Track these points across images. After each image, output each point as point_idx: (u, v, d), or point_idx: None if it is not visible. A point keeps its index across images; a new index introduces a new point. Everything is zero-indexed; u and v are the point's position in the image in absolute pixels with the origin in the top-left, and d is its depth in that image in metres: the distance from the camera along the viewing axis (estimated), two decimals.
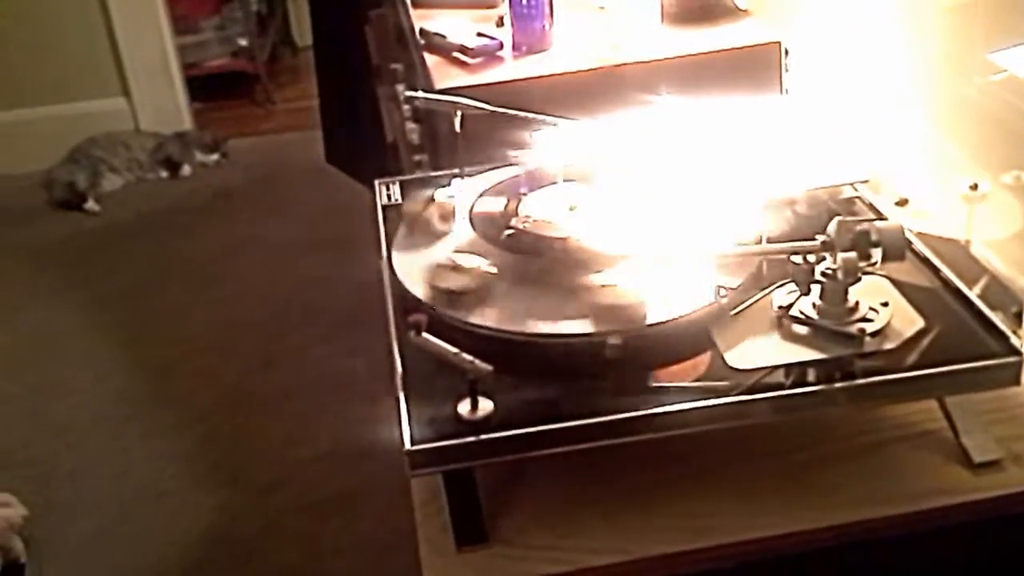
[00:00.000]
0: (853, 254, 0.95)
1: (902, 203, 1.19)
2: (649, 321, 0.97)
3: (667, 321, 0.97)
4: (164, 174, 3.55)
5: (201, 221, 3.28)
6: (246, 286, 2.92)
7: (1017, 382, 0.96)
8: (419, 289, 1.04)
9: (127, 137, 3.58)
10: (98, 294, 2.96)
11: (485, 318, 0.99)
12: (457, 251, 1.06)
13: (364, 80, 2.27)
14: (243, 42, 3.98)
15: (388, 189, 1.27)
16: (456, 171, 1.24)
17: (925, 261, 1.08)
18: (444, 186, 1.19)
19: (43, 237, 3.27)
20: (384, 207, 1.24)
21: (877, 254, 0.96)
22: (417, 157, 1.58)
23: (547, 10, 1.50)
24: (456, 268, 1.00)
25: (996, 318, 0.99)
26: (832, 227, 0.96)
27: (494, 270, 1.01)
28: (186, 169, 3.55)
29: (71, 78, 3.59)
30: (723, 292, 0.99)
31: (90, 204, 3.39)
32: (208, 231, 3.22)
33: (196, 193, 3.47)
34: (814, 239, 0.98)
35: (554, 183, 1.17)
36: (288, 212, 3.26)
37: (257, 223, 3.23)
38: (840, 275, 0.96)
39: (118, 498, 2.22)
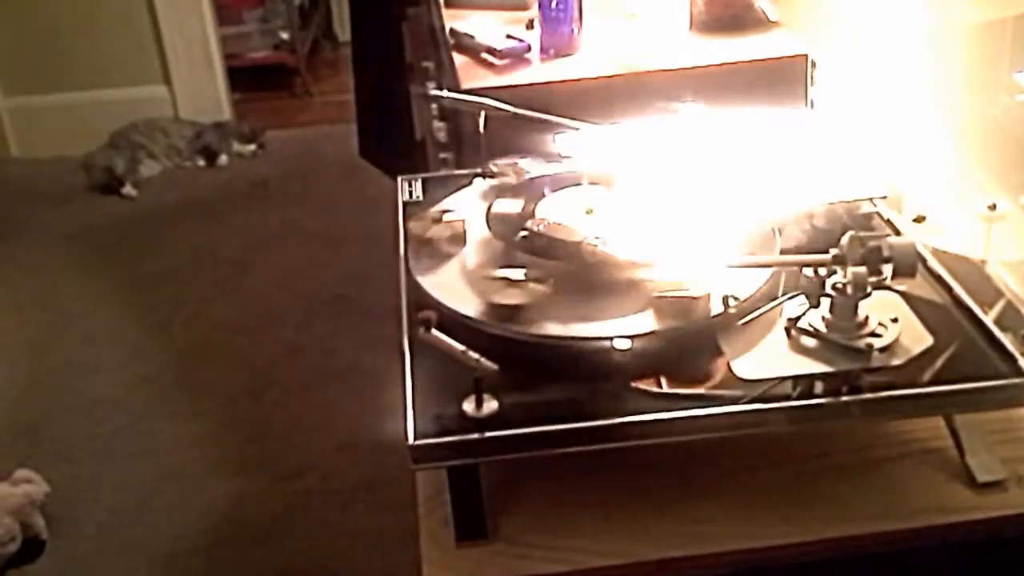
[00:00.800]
0: (863, 269, 0.95)
1: (919, 220, 1.19)
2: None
3: (675, 328, 0.98)
4: (201, 162, 3.59)
5: (235, 210, 3.32)
6: (276, 276, 2.96)
7: (1023, 404, 0.96)
8: (431, 285, 1.06)
9: (167, 124, 3.62)
10: (131, 277, 3.00)
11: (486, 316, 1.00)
12: (505, 266, 1.06)
13: (399, 77, 2.29)
14: (285, 35, 4.02)
15: (411, 186, 1.28)
16: (478, 171, 1.26)
17: (938, 278, 1.08)
18: (464, 186, 1.20)
19: (80, 219, 3.32)
20: (406, 203, 1.25)
21: (888, 270, 0.97)
22: (443, 155, 1.60)
23: (576, 14, 1.51)
24: (512, 283, 1.01)
25: (1005, 339, 0.99)
26: (844, 241, 0.97)
27: (548, 288, 1.01)
28: (223, 158, 3.59)
29: (114, 64, 3.64)
30: (733, 301, 1.00)
31: (128, 189, 3.43)
32: (242, 220, 3.25)
33: (232, 182, 3.51)
34: (827, 252, 0.99)
35: (574, 186, 1.18)
36: (321, 204, 3.29)
37: (290, 214, 3.26)
38: (850, 289, 0.96)
39: (140, 478, 2.26)
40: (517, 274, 1.02)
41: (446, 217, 1.11)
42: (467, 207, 1.18)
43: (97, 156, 3.48)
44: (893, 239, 0.97)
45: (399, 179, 1.29)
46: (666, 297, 1.00)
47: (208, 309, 2.83)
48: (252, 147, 3.63)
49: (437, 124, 1.60)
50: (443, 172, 1.41)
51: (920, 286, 1.07)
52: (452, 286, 1.07)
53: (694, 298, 0.99)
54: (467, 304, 1.03)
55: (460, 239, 1.12)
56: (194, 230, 3.22)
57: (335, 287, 2.84)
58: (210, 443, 2.36)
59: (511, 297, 1.00)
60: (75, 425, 2.43)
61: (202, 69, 3.71)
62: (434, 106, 1.63)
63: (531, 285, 1.01)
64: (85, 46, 3.61)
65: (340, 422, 2.37)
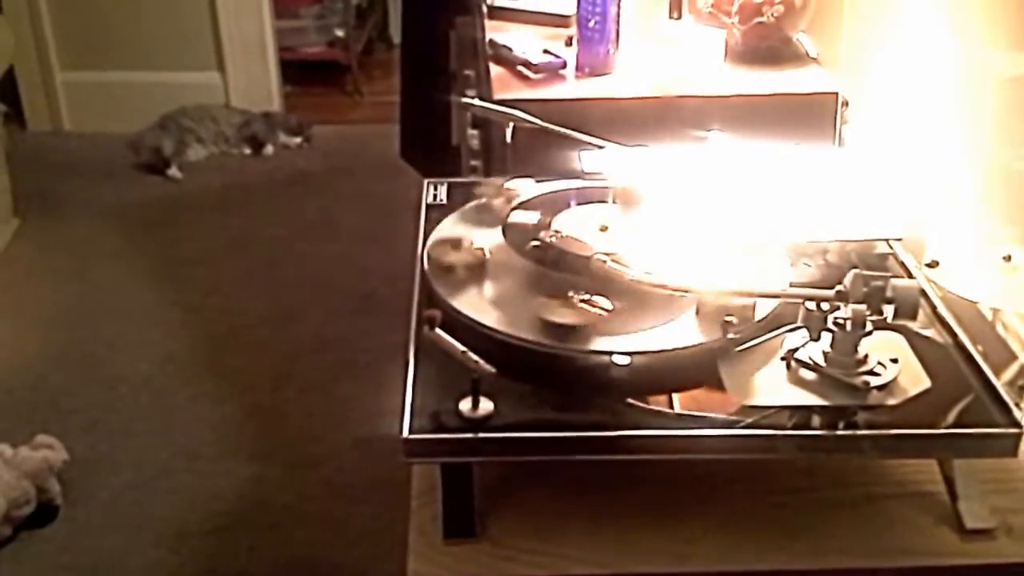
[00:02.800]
0: (863, 306, 0.96)
1: (933, 265, 1.20)
2: (647, 348, 1.00)
3: (673, 349, 1.00)
4: (247, 151, 3.64)
5: (275, 200, 3.36)
6: (308, 269, 2.99)
7: (1014, 453, 0.97)
8: (442, 286, 1.08)
9: (216, 111, 3.68)
10: (167, 258, 3.05)
11: (499, 323, 1.02)
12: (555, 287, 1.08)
13: (443, 83, 2.32)
14: (340, 33, 4.06)
15: (435, 189, 1.31)
16: (503, 180, 1.28)
17: (943, 323, 1.09)
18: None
19: (123, 197, 3.37)
20: (429, 206, 1.28)
21: (890, 311, 0.98)
22: (474, 162, 1.62)
23: (613, 35, 1.53)
24: (455, 245, 1.04)
25: (1002, 388, 0.99)
26: (848, 278, 0.98)
27: (488, 253, 1.05)
28: (269, 149, 3.64)
29: (170, 48, 3.71)
30: (733, 328, 1.01)
31: (173, 171, 3.49)
32: (281, 211, 3.29)
33: (275, 173, 3.55)
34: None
35: (592, 202, 1.20)
36: (359, 201, 3.32)
37: (329, 208, 3.30)
38: (849, 326, 0.97)
39: (156, 456, 2.29)
40: (467, 240, 1.07)
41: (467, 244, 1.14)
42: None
43: (146, 136, 3.54)
44: (897, 280, 0.98)
45: (425, 182, 1.32)
46: (548, 318, 1.01)
47: (239, 296, 2.87)
48: (298, 140, 3.68)
49: (471, 132, 1.63)
50: (470, 178, 1.43)
51: (927, 329, 1.08)
52: (465, 289, 1.09)
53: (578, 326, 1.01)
54: (474, 307, 1.05)
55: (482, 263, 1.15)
56: (233, 217, 3.27)
57: (364, 284, 2.87)
58: (228, 428, 2.39)
59: (451, 257, 1.05)
60: (99, 398, 2.47)
61: (256, 60, 3.76)
62: (469, 114, 1.66)
63: (474, 249, 1.06)
64: (143, 27, 3.68)
65: (357, 418, 2.39)
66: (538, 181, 1.26)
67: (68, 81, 3.74)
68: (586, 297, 1.02)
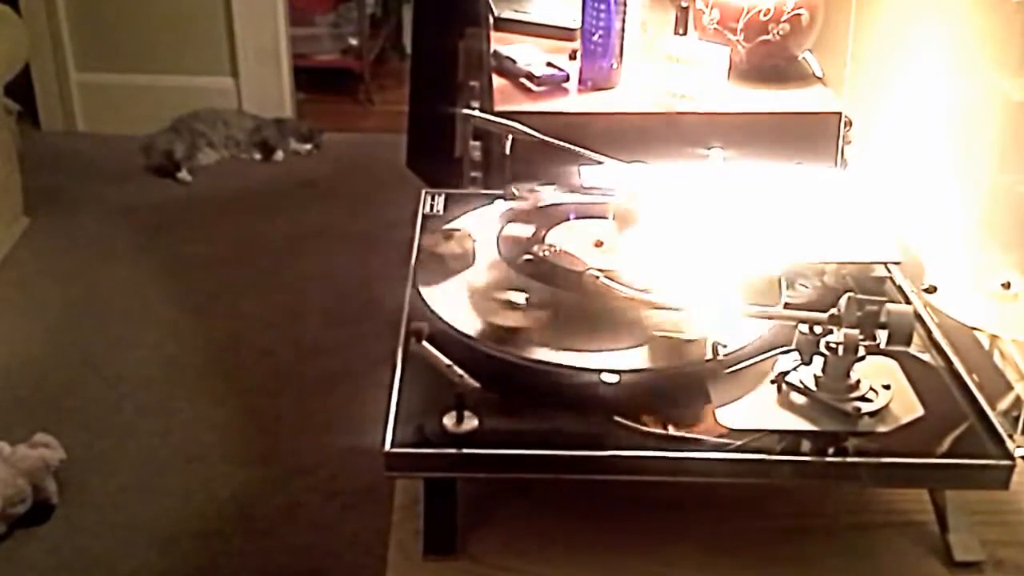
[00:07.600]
0: (856, 331, 0.95)
1: (931, 290, 1.18)
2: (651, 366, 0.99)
3: (661, 369, 0.99)
4: (257, 156, 3.65)
5: (283, 206, 3.37)
6: (314, 274, 2.99)
7: (1006, 486, 0.95)
8: (433, 299, 1.07)
9: (228, 116, 3.68)
10: (175, 260, 3.05)
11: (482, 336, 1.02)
12: (509, 288, 1.07)
13: (450, 94, 2.31)
14: (354, 41, 4.07)
15: (432, 200, 1.30)
16: (501, 192, 1.27)
17: (939, 350, 1.08)
18: (483, 205, 1.22)
19: (133, 199, 3.38)
20: (425, 216, 1.27)
21: (883, 335, 0.96)
22: (474, 173, 1.62)
23: (617, 50, 1.52)
24: (513, 306, 1.02)
25: (996, 418, 0.98)
26: (842, 302, 0.97)
27: (546, 314, 1.02)
28: (279, 154, 3.64)
29: (185, 52, 3.71)
30: (721, 349, 1.00)
31: (183, 174, 3.49)
32: (288, 216, 3.29)
33: (284, 178, 3.55)
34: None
35: (590, 217, 1.19)
36: (367, 209, 3.32)
37: (335, 215, 3.30)
38: (841, 350, 0.96)
39: (154, 457, 2.29)
40: (519, 297, 1.03)
41: (457, 235, 1.13)
42: (482, 227, 1.19)
43: (158, 139, 3.54)
44: (892, 305, 0.96)
45: (422, 192, 1.31)
46: (661, 336, 1.00)
47: (242, 299, 2.87)
48: (308, 147, 3.68)
49: (473, 143, 1.63)
50: (468, 190, 1.43)
51: (921, 355, 1.06)
52: (454, 302, 1.08)
53: (688, 341, 1.00)
54: (465, 321, 1.05)
55: (468, 257, 1.14)
56: (241, 221, 3.27)
57: (366, 291, 2.87)
58: (226, 431, 2.39)
59: (509, 319, 1.01)
60: (99, 397, 2.47)
61: (269, 66, 3.77)
62: (471, 125, 1.66)
63: (531, 310, 1.02)
64: (159, 31, 3.69)
65: (354, 425, 2.37)
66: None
67: (83, 82, 3.75)
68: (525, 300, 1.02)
